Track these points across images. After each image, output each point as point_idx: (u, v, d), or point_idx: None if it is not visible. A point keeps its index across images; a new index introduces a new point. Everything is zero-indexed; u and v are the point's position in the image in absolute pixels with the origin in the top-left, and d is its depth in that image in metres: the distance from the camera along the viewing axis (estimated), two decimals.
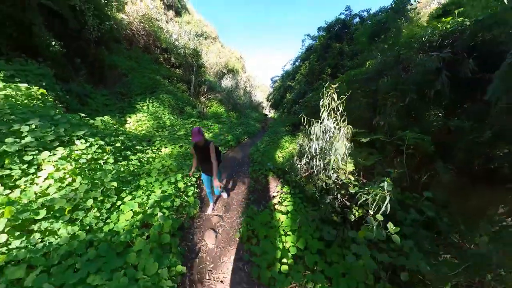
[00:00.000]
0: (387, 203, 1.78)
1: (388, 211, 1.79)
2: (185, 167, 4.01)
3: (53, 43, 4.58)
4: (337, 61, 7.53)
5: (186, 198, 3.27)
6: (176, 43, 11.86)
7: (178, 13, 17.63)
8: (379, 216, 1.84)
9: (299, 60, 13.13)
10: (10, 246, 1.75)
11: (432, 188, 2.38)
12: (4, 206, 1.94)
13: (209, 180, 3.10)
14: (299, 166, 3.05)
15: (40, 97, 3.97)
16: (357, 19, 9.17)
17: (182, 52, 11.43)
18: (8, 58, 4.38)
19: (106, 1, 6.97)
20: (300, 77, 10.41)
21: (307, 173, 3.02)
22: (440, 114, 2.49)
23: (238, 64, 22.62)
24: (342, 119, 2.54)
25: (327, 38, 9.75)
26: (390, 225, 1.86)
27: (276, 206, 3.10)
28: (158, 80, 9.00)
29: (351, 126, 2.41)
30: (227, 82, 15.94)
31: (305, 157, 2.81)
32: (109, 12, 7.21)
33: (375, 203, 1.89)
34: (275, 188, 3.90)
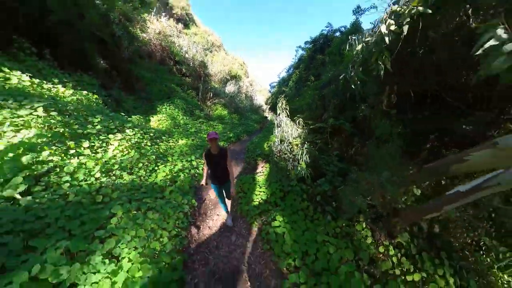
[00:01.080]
0: (305, 155, 3.16)
1: (308, 161, 3.17)
2: (196, 152, 5.47)
3: (101, 61, 6.17)
4: (319, 71, 8.88)
5: (198, 171, 4.71)
6: (186, 55, 13.56)
7: (186, 25, 19.55)
8: (302, 163, 3.22)
9: (292, 69, 14.63)
10: (101, 180, 3.21)
11: (358, 155, 3.72)
12: (97, 160, 3.42)
13: (220, 188, 2.98)
14: (274, 148, 4.44)
15: (94, 100, 5.54)
16: (337, 34, 10.61)
17: (191, 63, 13.10)
18: (68, 72, 6.00)
19: (134, 25, 8.65)
20: (292, 83, 11.84)
21: (279, 152, 4.40)
22: (363, 108, 3.81)
23: (241, 70, 24.35)
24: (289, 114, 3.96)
25: (312, 50, 11.23)
26: (302, 164, 3.24)
27: (258, 175, 4.52)
28: (173, 88, 10.61)
29: (302, 118, 3.79)
30: (230, 88, 17.56)
31: (277, 141, 4.20)
32: (136, 33, 8.88)
33: (301, 157, 3.27)
34: (261, 167, 5.31)
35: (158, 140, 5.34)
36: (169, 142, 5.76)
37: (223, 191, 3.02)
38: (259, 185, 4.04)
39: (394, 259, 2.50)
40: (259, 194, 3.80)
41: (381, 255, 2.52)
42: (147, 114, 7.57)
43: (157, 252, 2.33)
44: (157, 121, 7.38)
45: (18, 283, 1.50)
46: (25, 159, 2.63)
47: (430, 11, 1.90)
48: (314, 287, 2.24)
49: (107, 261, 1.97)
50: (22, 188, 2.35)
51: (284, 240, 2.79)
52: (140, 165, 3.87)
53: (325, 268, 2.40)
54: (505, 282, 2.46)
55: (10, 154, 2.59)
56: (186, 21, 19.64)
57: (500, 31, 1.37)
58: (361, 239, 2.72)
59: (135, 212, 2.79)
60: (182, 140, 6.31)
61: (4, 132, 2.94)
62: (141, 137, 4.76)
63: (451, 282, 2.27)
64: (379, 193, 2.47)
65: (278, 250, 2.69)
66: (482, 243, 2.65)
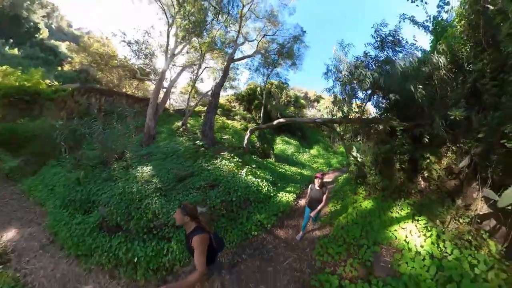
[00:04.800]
0: None
1: None
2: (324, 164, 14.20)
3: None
4: None
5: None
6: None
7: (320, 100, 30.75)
8: None
9: None
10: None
11: None
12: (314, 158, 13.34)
13: (309, 213, 4.01)
14: None
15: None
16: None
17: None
18: None
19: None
20: None
21: None
22: None
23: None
24: None
25: None
26: None
27: None
28: (319, 138, 20.49)
29: None
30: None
31: None
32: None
33: None
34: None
35: (315, 158, 14.81)
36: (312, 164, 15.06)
37: (308, 217, 4.11)
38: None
39: None
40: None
41: None
42: (309, 149, 17.54)
43: None
44: (313, 153, 17.07)
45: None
46: None
47: None
48: None
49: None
50: None
51: None
52: (319, 160, 13.36)
53: None
54: None
55: None
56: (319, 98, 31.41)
57: None
58: None
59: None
60: (319, 159, 15.31)
61: None
62: (317, 153, 14.58)
63: None
64: None
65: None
66: None
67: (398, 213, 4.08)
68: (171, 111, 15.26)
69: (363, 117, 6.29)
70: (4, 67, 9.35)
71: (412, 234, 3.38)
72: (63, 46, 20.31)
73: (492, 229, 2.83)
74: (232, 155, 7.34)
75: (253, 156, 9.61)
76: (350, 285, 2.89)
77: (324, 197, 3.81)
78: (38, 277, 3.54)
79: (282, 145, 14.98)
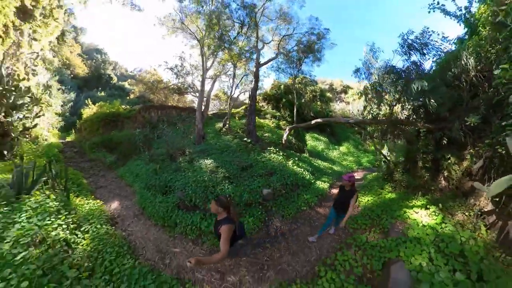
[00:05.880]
0: None
1: None
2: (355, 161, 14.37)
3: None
4: None
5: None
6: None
7: (346, 92, 29.76)
8: None
9: None
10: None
11: None
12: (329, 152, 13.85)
13: (335, 216, 3.92)
14: None
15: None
16: None
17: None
18: None
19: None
20: None
21: None
22: None
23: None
24: None
25: None
26: None
27: None
28: (349, 135, 20.39)
29: None
30: None
31: None
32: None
33: None
34: None
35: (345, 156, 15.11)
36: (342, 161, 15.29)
37: (335, 218, 3.99)
38: None
39: None
40: None
41: None
42: (339, 146, 17.74)
43: None
44: (343, 149, 17.23)
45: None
46: None
47: None
48: None
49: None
50: None
51: None
52: (348, 157, 13.79)
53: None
54: None
55: None
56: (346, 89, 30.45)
57: None
58: None
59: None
60: (348, 157, 15.47)
61: None
62: (347, 150, 14.95)
63: None
64: None
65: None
66: None
67: (415, 203, 4.79)
68: (210, 114, 17.18)
69: (391, 118, 6.53)
70: (100, 103, 14.95)
71: (422, 217, 4.16)
72: (126, 84, 32.49)
73: (491, 223, 3.37)
74: (277, 149, 8.69)
75: (291, 151, 10.73)
76: (373, 241, 4.05)
77: (351, 201, 3.52)
78: (137, 237, 4.62)
79: (312, 141, 15.55)
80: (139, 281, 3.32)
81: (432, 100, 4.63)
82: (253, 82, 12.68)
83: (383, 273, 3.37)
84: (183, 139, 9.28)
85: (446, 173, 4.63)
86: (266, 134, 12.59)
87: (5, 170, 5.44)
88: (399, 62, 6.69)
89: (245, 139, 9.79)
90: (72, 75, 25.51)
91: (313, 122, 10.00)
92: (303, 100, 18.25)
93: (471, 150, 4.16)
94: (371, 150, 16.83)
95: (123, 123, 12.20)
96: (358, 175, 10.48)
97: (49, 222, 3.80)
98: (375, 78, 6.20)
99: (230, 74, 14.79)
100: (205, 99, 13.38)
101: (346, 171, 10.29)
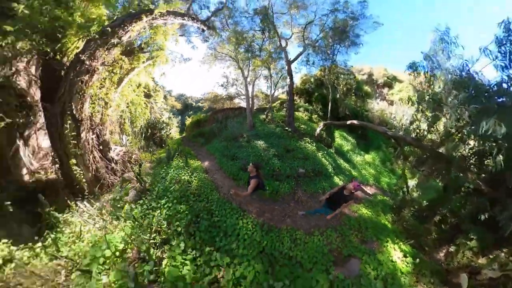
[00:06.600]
0: None
1: None
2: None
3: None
4: None
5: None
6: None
7: (390, 86, 24.95)
8: None
9: None
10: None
11: None
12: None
13: (323, 210, 5.06)
14: None
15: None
16: None
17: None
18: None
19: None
20: None
21: None
22: None
23: None
24: None
25: None
26: None
27: None
28: (381, 144, 21.24)
29: None
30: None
31: None
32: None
33: None
34: None
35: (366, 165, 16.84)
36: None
37: (324, 210, 4.98)
38: None
39: None
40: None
41: None
42: (366, 153, 19.18)
43: None
44: (368, 157, 18.64)
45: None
46: None
47: None
48: None
49: None
50: None
51: None
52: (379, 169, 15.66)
53: None
54: None
55: None
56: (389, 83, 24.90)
57: None
58: None
59: None
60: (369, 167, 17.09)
61: None
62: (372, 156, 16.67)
63: None
64: None
65: None
66: None
67: (401, 245, 5.16)
68: (254, 110, 20.66)
69: (439, 149, 4.78)
70: (192, 116, 23.65)
71: (396, 256, 4.82)
72: (200, 103, 40.59)
73: None
74: (311, 140, 11.13)
75: (321, 144, 12.29)
76: (353, 238, 5.44)
77: (344, 205, 4.23)
78: (218, 182, 7.41)
79: (340, 139, 15.80)
80: (222, 205, 6.10)
81: (500, 156, 2.86)
82: (288, 80, 13.58)
83: (345, 258, 4.76)
84: (240, 128, 12.82)
85: (453, 250, 3.67)
86: (302, 126, 14.26)
87: (162, 152, 10.37)
88: (487, 68, 4.04)
89: (286, 128, 12.11)
90: (176, 109, 36.30)
91: (348, 122, 10.64)
92: (337, 96, 17.03)
93: (502, 254, 2.96)
94: (398, 173, 14.34)
95: (205, 123, 18.62)
96: (369, 190, 10.29)
97: (181, 172, 7.57)
98: (439, 87, 4.29)
99: (266, 76, 17.17)
100: (250, 99, 16.73)
101: (361, 180, 10.77)
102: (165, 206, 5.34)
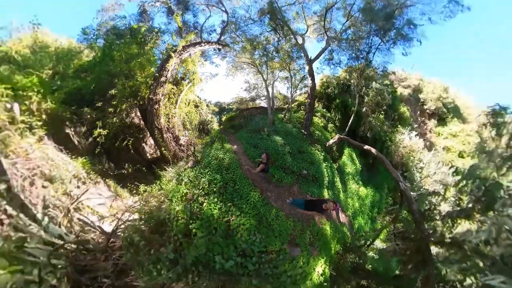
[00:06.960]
0: None
1: None
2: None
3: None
4: None
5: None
6: (417, 174, 14.94)
7: (442, 119, 18.40)
8: None
9: None
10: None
11: None
12: None
13: (299, 204, 6.77)
14: None
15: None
16: None
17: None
18: None
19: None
20: None
21: None
22: None
23: None
24: None
25: None
26: None
27: None
28: (386, 186, 16.23)
29: None
30: None
31: None
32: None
33: None
34: None
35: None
36: None
37: (300, 204, 6.93)
38: None
39: None
40: None
41: None
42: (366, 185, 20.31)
43: None
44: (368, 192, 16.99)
45: None
46: None
47: None
48: None
49: None
50: None
51: None
52: None
53: None
54: None
55: None
56: (442, 114, 17.94)
57: None
58: None
59: None
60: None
61: None
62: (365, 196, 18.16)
63: None
64: None
65: None
66: None
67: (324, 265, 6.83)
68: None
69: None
70: (226, 115, 25.56)
71: (320, 267, 6.66)
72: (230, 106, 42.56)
73: None
74: (321, 149, 11.80)
75: (328, 156, 12.50)
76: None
77: (315, 213, 6.50)
78: (243, 161, 9.06)
79: (347, 158, 14.42)
80: (242, 179, 7.69)
81: None
82: (309, 81, 11.90)
83: (295, 244, 6.40)
84: (262, 123, 15.45)
85: None
86: (316, 132, 14.32)
87: (208, 138, 15.05)
88: None
89: (302, 130, 12.63)
90: (214, 111, 38.93)
91: (365, 147, 10.01)
92: (364, 110, 14.75)
93: None
94: (377, 226, 13.46)
95: (235, 119, 21.16)
96: (342, 218, 10.62)
97: (218, 152, 10.17)
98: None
99: (287, 77, 16.36)
100: (270, 99, 18.70)
101: (342, 205, 11.08)
102: (208, 173, 7.60)
